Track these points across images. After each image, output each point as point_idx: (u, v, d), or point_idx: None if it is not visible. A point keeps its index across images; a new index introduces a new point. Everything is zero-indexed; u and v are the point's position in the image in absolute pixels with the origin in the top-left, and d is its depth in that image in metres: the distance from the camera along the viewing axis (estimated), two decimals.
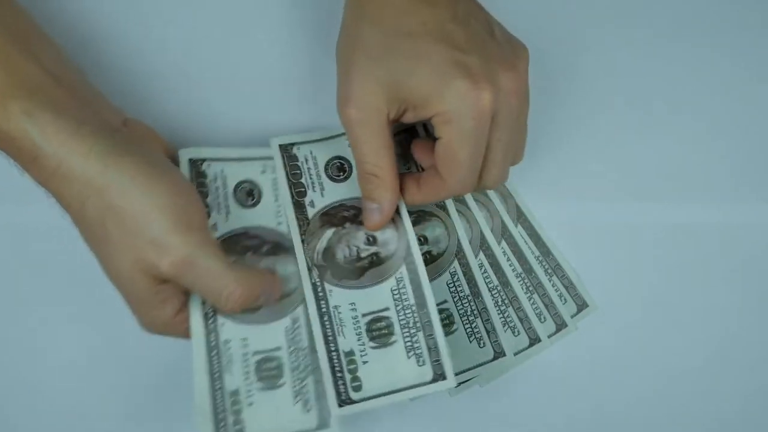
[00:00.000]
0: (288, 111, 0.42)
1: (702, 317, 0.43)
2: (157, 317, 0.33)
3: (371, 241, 0.38)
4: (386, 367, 0.35)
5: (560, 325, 0.42)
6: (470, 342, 0.41)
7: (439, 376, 0.35)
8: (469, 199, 0.43)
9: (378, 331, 0.36)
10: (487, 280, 0.42)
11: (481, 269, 0.42)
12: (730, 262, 0.44)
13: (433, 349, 0.35)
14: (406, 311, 0.36)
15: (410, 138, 0.41)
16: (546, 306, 0.42)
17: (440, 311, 0.39)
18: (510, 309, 0.42)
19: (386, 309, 0.36)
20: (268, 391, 0.34)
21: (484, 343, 0.41)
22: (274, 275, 0.36)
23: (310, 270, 0.37)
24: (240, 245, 0.36)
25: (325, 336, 0.36)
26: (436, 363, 0.35)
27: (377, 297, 0.37)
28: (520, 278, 0.42)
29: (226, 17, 0.43)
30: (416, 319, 0.36)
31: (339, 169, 0.40)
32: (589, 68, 0.45)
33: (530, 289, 0.42)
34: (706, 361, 0.43)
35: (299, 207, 0.38)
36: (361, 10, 0.34)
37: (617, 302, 0.43)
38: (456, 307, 0.41)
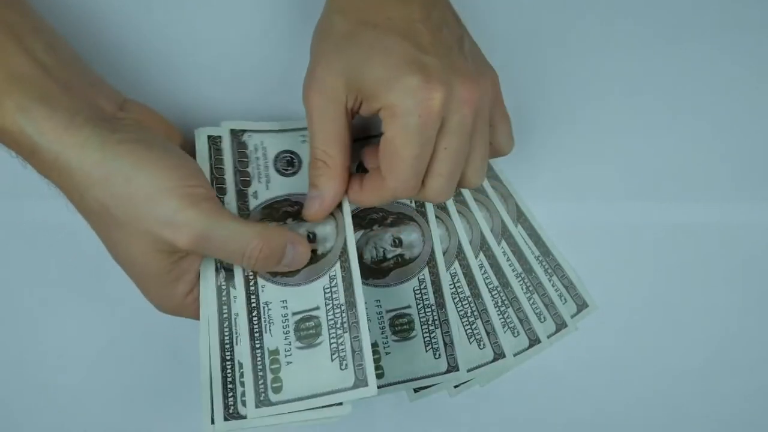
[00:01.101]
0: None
1: (702, 317, 0.43)
2: (169, 296, 0.34)
3: (397, 243, 0.40)
4: (405, 358, 0.39)
5: (560, 325, 0.42)
6: (470, 343, 0.41)
7: (453, 368, 0.39)
8: (469, 199, 0.43)
9: (400, 326, 0.40)
10: (487, 281, 0.42)
11: (481, 270, 0.42)
12: (730, 262, 0.44)
13: (449, 345, 0.39)
14: (426, 310, 0.40)
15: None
16: (546, 306, 0.42)
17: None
18: (510, 310, 0.42)
19: (408, 306, 0.40)
20: (307, 349, 0.35)
21: (484, 345, 0.41)
22: (300, 234, 0.36)
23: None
24: (281, 212, 0.37)
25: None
26: (451, 356, 0.39)
27: (401, 295, 0.40)
28: (520, 278, 0.42)
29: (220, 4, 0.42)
30: (435, 317, 0.39)
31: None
32: (589, 68, 0.45)
33: (530, 289, 0.42)
34: (706, 361, 0.43)
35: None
36: (337, 3, 0.34)
37: (617, 302, 0.43)
38: (456, 308, 0.41)
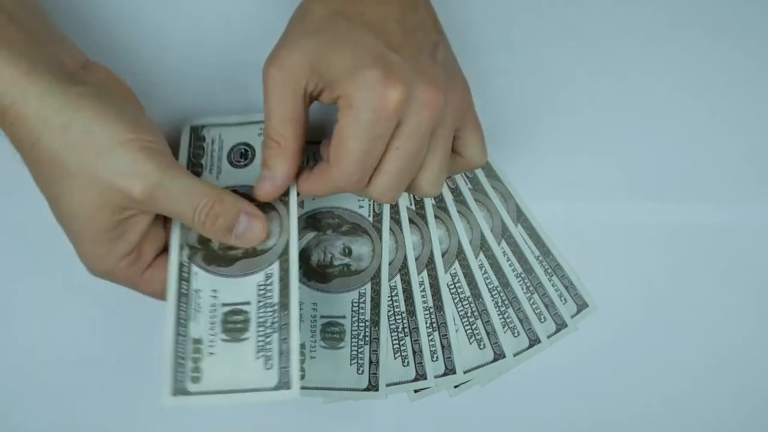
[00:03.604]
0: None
1: (702, 317, 0.43)
2: (104, 257, 0.33)
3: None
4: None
5: (560, 325, 0.42)
6: (470, 344, 0.41)
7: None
8: (469, 199, 0.43)
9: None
10: (487, 281, 0.42)
11: (481, 270, 0.42)
12: (729, 263, 0.44)
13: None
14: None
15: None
16: (546, 306, 0.42)
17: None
18: (510, 310, 0.42)
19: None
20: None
21: (484, 345, 0.41)
22: (259, 212, 0.35)
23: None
24: None
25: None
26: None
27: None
28: (520, 278, 0.42)
29: None
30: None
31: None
32: (589, 68, 0.45)
33: (530, 289, 0.42)
34: (705, 361, 0.43)
35: None
36: None
37: (617, 302, 0.43)
38: (456, 308, 0.41)
